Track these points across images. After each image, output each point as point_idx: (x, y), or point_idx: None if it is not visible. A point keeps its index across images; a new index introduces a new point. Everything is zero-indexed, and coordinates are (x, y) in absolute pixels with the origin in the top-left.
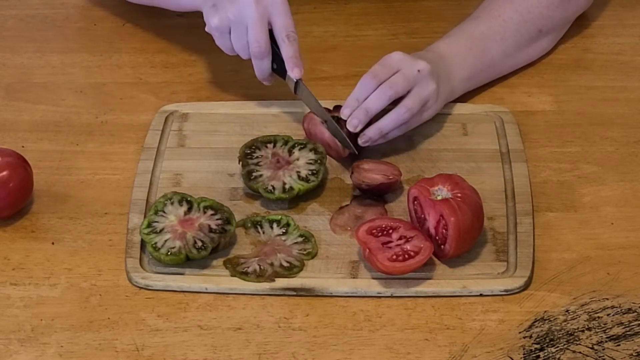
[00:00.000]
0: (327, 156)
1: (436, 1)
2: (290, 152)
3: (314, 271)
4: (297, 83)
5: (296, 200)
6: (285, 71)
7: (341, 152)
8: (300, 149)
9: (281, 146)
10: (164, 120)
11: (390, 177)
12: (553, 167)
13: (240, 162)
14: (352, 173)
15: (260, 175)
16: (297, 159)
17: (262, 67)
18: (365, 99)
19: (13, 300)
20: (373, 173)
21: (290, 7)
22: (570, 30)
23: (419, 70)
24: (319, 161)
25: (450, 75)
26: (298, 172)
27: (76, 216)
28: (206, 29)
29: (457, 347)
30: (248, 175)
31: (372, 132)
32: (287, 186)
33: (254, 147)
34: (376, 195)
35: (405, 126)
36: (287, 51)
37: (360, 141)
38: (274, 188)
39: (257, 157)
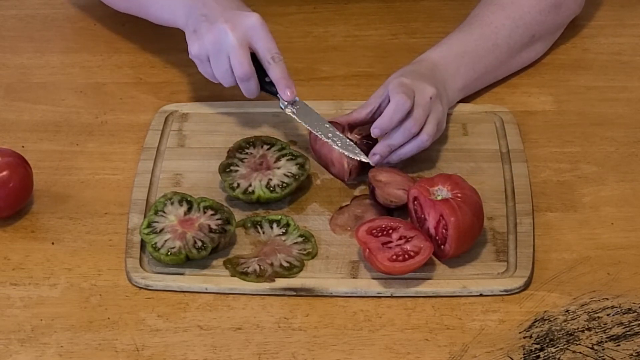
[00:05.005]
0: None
1: (436, 1)
2: (277, 159)
3: (314, 271)
4: (294, 103)
5: (293, 199)
6: (275, 89)
7: (345, 174)
8: (287, 160)
9: (275, 151)
10: (164, 120)
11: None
12: (553, 167)
13: (228, 153)
14: (372, 189)
15: (237, 170)
16: (278, 168)
17: (249, 88)
18: (399, 120)
19: (13, 300)
20: (393, 188)
21: (290, 7)
22: (570, 30)
23: (430, 98)
24: (295, 176)
25: (446, 85)
26: (270, 179)
27: (76, 216)
28: (189, 56)
29: (457, 347)
30: (225, 168)
31: (393, 159)
32: (250, 189)
33: (251, 142)
34: (399, 209)
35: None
36: (275, 73)
37: (371, 160)
38: (238, 185)
39: (247, 152)
